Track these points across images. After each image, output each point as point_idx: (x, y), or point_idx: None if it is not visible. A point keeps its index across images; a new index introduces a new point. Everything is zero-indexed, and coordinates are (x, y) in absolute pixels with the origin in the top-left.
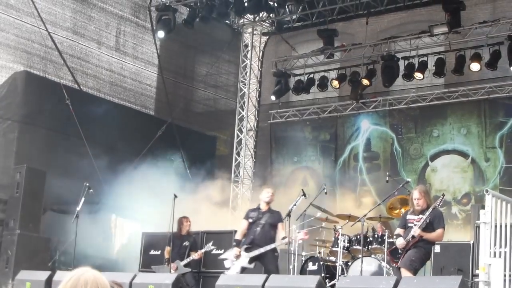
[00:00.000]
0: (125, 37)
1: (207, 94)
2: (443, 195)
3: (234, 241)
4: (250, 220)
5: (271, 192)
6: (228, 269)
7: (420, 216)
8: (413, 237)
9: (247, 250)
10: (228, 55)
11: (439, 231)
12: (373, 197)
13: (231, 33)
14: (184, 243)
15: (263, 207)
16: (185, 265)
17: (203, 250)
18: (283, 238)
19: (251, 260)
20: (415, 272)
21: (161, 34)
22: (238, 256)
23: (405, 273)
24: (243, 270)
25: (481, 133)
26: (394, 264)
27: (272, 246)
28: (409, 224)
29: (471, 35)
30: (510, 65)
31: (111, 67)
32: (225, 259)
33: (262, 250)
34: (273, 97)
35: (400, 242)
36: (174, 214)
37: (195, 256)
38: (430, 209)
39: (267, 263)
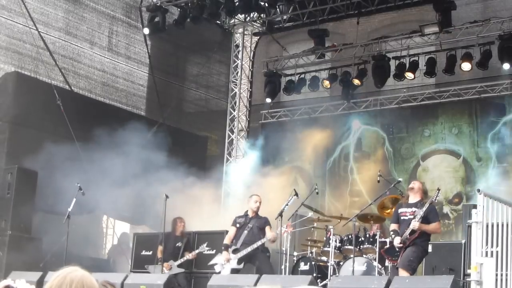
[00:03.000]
0: (117, 37)
1: (199, 94)
2: (439, 189)
3: (222, 246)
4: (238, 226)
5: (259, 201)
6: (218, 273)
7: (413, 209)
8: (411, 232)
9: (235, 251)
10: (219, 55)
11: (436, 224)
12: (364, 197)
13: (222, 33)
14: (178, 244)
15: (251, 214)
16: (179, 266)
17: (197, 251)
18: (272, 239)
19: (240, 261)
20: (413, 272)
21: (146, 31)
22: (227, 260)
23: (403, 273)
24: (233, 271)
25: (472, 132)
26: (392, 263)
27: (258, 243)
28: (402, 217)
29: (462, 34)
30: (502, 63)
31: (104, 67)
32: (215, 264)
33: (249, 249)
34: (268, 100)
35: (397, 242)
36: (166, 214)
37: (189, 256)
38: (427, 204)
39: (260, 264)
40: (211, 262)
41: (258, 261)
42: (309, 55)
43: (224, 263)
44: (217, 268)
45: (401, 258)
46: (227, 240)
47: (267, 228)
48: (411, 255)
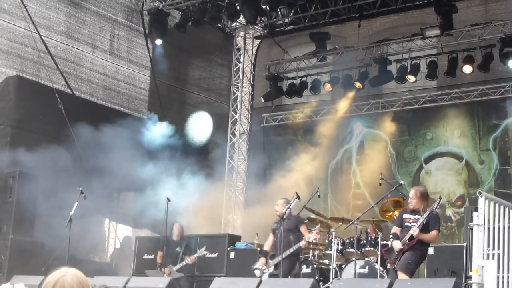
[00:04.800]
0: (119, 41)
1: (200, 97)
2: (440, 198)
3: (261, 252)
4: (272, 232)
5: (278, 204)
6: (259, 277)
7: (416, 216)
8: (411, 238)
9: (272, 257)
10: (220, 59)
11: (433, 232)
12: (367, 200)
13: (223, 37)
14: (177, 248)
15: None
16: (178, 270)
17: (196, 255)
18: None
19: (276, 266)
20: (411, 274)
21: (158, 42)
22: (264, 265)
23: (401, 276)
24: (270, 276)
25: (474, 135)
26: (390, 265)
27: (291, 250)
28: (406, 224)
29: (463, 37)
30: (504, 65)
31: (105, 71)
32: (256, 269)
33: (283, 255)
34: (264, 100)
35: (396, 245)
36: (168, 218)
37: (188, 260)
38: (427, 212)
39: (283, 268)
40: (253, 267)
41: (282, 265)
42: (310, 58)
43: (262, 268)
44: (257, 273)
45: (400, 261)
46: (265, 246)
47: (302, 229)
48: (410, 258)
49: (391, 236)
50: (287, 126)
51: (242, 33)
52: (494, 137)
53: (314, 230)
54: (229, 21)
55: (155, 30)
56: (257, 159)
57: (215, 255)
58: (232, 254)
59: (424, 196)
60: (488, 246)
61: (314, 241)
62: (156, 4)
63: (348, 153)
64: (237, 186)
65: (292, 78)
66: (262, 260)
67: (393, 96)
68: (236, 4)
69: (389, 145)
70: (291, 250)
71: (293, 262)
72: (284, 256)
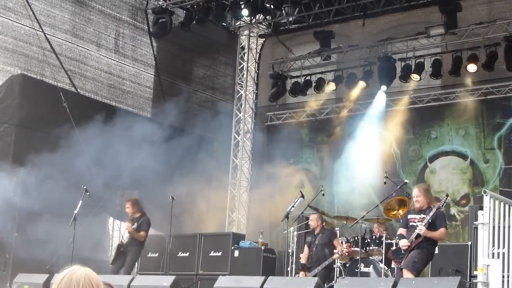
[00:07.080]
0: (124, 40)
1: (205, 96)
2: (447, 195)
3: (300, 266)
4: (307, 244)
5: (312, 218)
6: None
7: (422, 215)
8: (417, 236)
9: (309, 270)
10: (225, 57)
11: (442, 230)
12: (372, 199)
13: (227, 35)
14: (133, 226)
15: (316, 230)
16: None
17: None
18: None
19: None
20: (417, 273)
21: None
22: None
23: (407, 274)
24: None
25: (479, 134)
26: (397, 265)
27: (326, 263)
28: (411, 223)
29: (468, 36)
30: (507, 67)
31: (110, 69)
32: None
33: (319, 267)
34: (272, 101)
35: (403, 243)
36: (172, 216)
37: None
38: (434, 210)
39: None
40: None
41: (318, 276)
42: (314, 57)
43: None
44: None
45: (406, 259)
46: (302, 259)
47: (335, 243)
48: (416, 256)
49: (397, 237)
50: (291, 125)
51: (246, 32)
52: (498, 136)
53: (346, 244)
54: (233, 20)
55: (159, 28)
56: (261, 158)
57: (219, 253)
58: (236, 253)
59: (428, 192)
60: (493, 245)
61: (346, 254)
62: (160, 2)
63: (353, 152)
64: (241, 184)
65: (296, 76)
66: (301, 274)
67: (397, 94)
68: (241, 3)
69: (394, 144)
70: (326, 263)
71: (328, 272)
72: (320, 268)
